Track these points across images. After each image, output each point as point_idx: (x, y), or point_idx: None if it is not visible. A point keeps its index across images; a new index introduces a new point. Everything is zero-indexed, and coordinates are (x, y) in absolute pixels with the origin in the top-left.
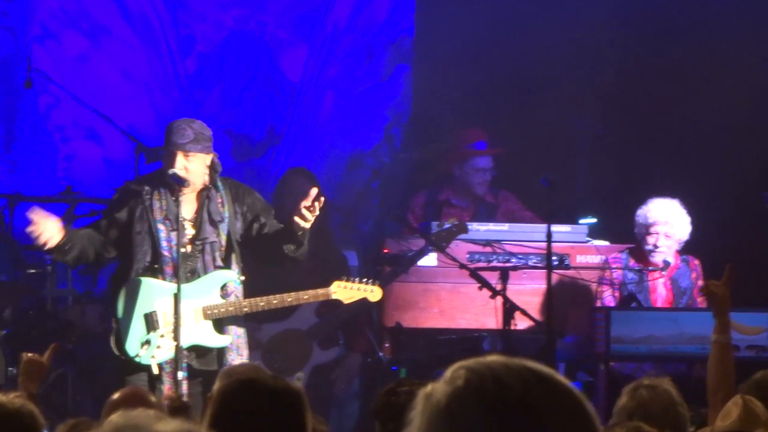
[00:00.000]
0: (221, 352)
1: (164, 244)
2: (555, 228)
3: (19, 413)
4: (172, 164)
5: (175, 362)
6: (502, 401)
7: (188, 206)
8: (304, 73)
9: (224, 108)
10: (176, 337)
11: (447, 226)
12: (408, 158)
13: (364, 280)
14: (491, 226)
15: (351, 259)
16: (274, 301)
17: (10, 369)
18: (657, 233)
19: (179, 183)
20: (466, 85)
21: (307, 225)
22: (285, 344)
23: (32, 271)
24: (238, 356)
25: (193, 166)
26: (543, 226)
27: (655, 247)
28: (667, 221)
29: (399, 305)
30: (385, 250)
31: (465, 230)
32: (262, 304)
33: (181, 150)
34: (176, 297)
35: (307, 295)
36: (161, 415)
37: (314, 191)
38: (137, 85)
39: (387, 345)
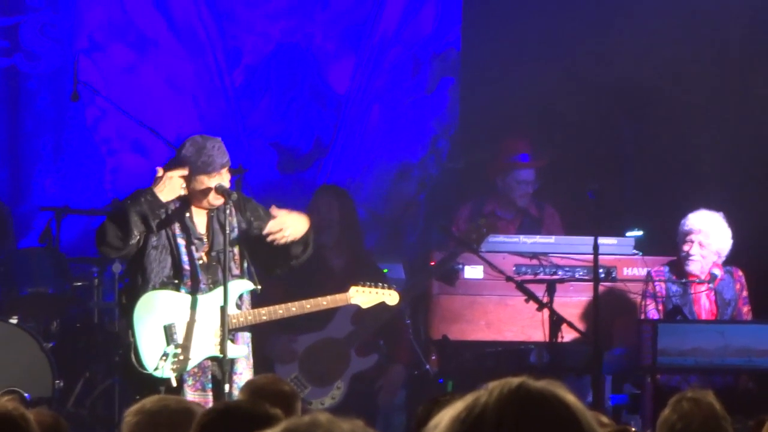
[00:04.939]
0: (230, 362)
1: (185, 258)
2: (602, 240)
3: (8, 416)
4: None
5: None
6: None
7: (199, 219)
8: (350, 86)
9: (271, 120)
10: (223, 350)
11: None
12: (454, 169)
13: (381, 284)
14: (538, 239)
15: (398, 271)
16: (293, 309)
17: (57, 381)
18: (692, 242)
19: (228, 197)
20: (511, 97)
21: (297, 234)
22: (322, 354)
23: (79, 283)
24: (247, 365)
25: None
26: (589, 239)
27: (688, 255)
28: (702, 230)
29: (446, 317)
30: (432, 262)
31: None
32: (280, 311)
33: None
34: (223, 310)
35: (326, 301)
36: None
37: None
38: (184, 97)
39: (434, 357)
